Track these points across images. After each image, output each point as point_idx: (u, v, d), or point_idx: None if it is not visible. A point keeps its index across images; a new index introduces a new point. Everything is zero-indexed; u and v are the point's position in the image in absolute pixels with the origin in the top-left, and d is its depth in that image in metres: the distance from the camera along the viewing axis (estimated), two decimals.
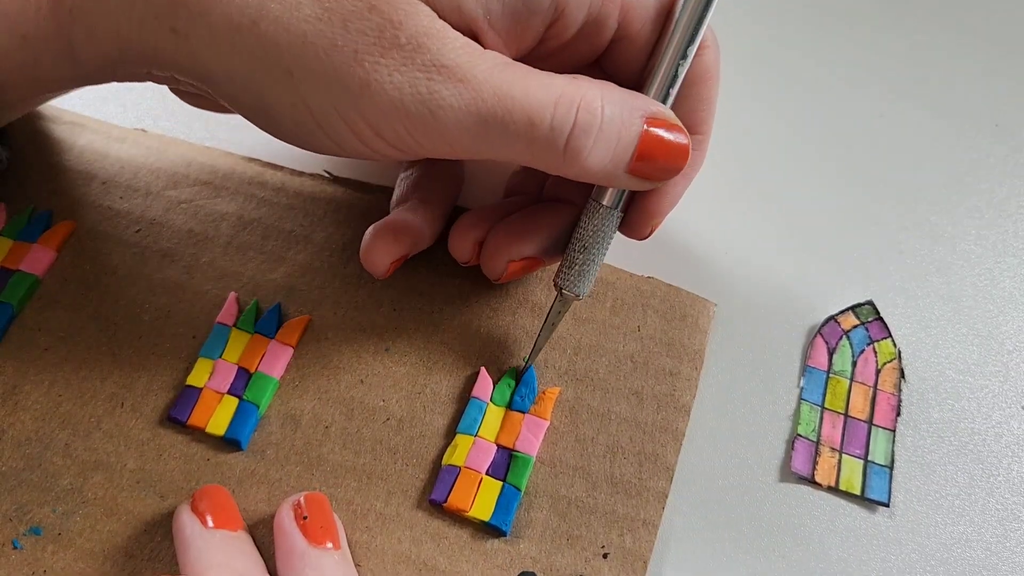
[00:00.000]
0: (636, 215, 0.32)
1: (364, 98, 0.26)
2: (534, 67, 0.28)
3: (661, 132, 0.29)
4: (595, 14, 0.29)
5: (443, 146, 0.28)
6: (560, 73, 0.28)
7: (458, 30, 0.27)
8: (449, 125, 0.27)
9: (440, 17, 0.27)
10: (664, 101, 0.30)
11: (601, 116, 0.28)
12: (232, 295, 0.35)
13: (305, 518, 0.30)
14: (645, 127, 0.28)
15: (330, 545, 0.29)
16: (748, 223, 0.40)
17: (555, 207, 0.34)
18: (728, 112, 0.41)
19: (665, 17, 0.30)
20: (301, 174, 0.39)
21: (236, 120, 0.37)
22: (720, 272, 0.38)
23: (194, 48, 0.27)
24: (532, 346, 0.34)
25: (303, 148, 0.29)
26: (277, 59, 0.26)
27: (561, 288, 0.32)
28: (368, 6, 0.26)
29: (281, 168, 0.39)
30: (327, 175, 0.39)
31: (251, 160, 0.39)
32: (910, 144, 0.42)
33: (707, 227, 0.39)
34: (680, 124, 0.29)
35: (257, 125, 0.29)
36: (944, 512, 0.33)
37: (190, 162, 0.38)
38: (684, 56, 0.30)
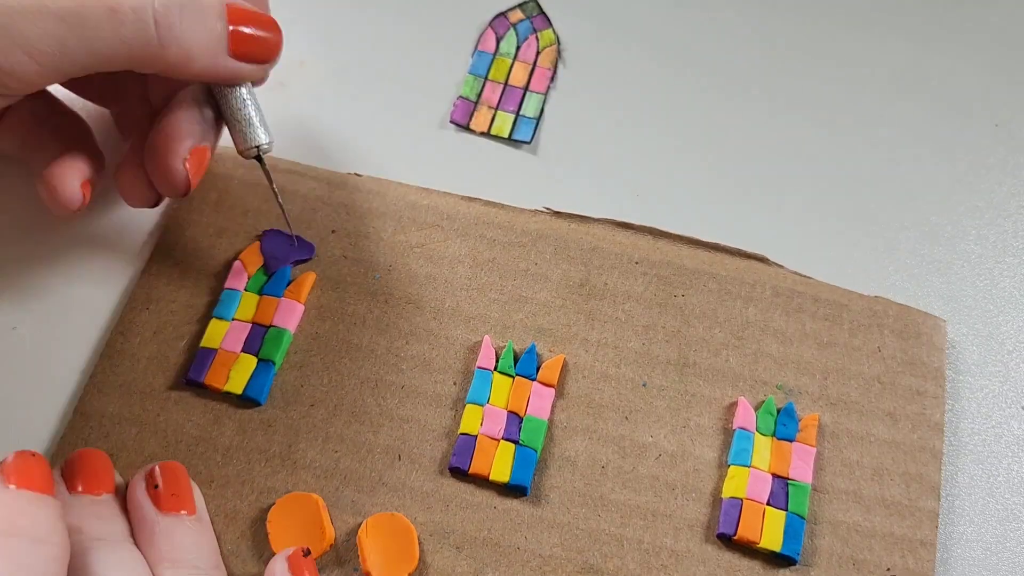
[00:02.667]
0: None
1: None
2: None
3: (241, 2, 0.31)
4: None
5: (29, 62, 0.28)
6: None
7: None
8: (28, 33, 0.27)
9: None
10: None
11: None
12: (486, 339, 0.36)
13: (156, 487, 0.30)
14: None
15: (184, 512, 0.30)
16: (743, 215, 0.40)
17: (174, 107, 0.33)
18: (725, 111, 0.43)
19: None
20: (523, 211, 0.39)
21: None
22: None
23: None
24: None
25: None
26: None
27: (257, 151, 0.33)
28: None
29: (503, 206, 0.39)
30: (547, 211, 0.39)
31: (471, 200, 0.39)
32: (910, 144, 0.43)
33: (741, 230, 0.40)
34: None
35: None
36: (944, 512, 0.34)
37: (413, 205, 0.38)
38: None
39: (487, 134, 0.42)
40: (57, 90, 0.36)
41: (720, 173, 0.42)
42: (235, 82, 0.32)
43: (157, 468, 0.30)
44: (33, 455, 0.27)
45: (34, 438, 0.34)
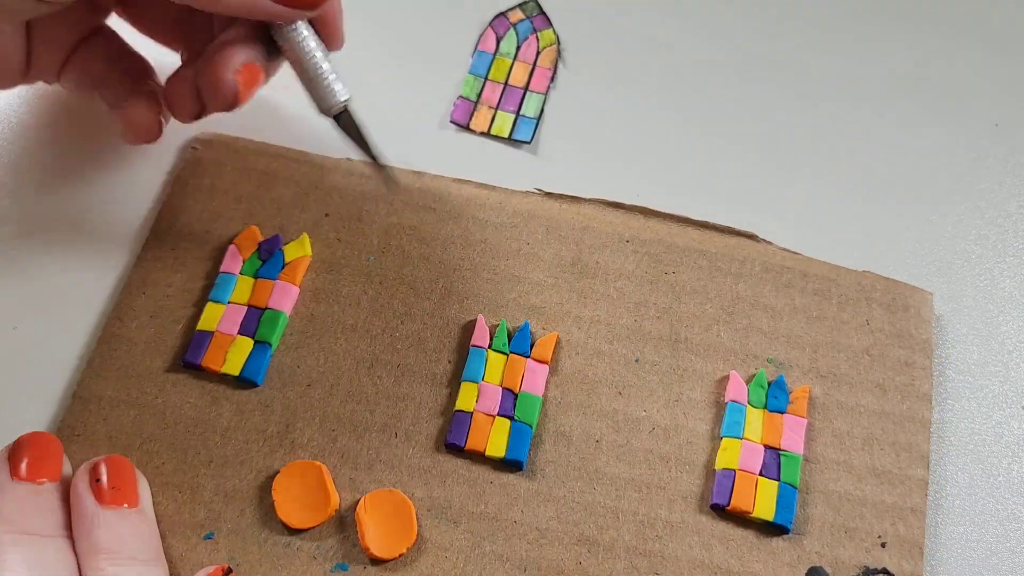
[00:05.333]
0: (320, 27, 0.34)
1: None
2: None
3: None
4: None
5: None
6: None
7: None
8: None
9: None
10: None
11: None
12: (480, 318, 0.36)
13: (99, 480, 0.30)
14: None
15: (125, 506, 0.30)
16: (748, 213, 0.40)
17: (233, 30, 0.33)
18: (725, 110, 0.43)
19: None
20: (514, 192, 0.39)
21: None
22: None
23: None
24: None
25: None
26: None
27: (335, 110, 0.33)
28: None
29: (494, 188, 0.39)
30: (538, 192, 0.39)
31: (463, 182, 0.39)
32: (910, 144, 0.43)
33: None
34: None
35: None
36: (944, 512, 0.35)
37: (405, 187, 0.39)
38: None
39: (487, 134, 0.42)
40: (125, 33, 0.38)
41: (716, 170, 0.42)
42: (281, 19, 0.32)
43: (102, 463, 0.31)
44: (40, 438, 0.29)
45: (33, 422, 0.34)
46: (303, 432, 0.34)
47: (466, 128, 0.42)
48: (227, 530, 0.32)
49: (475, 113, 0.42)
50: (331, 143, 0.39)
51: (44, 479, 0.30)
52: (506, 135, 0.42)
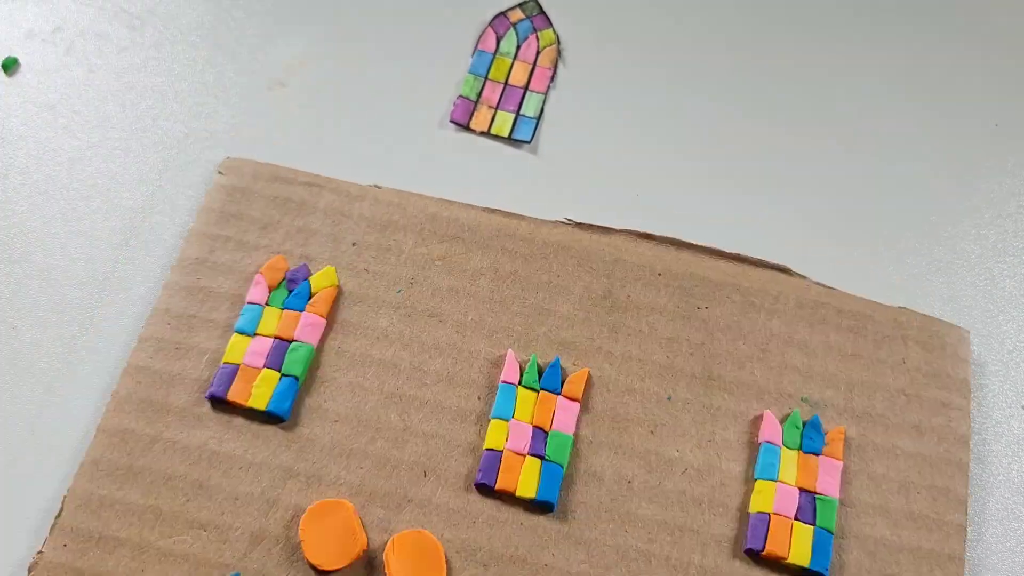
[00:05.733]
0: None
1: None
2: None
3: None
4: None
5: None
6: None
7: None
8: None
9: None
10: None
11: None
12: (510, 353, 0.35)
13: None
14: None
15: None
16: (747, 216, 0.40)
17: None
18: (724, 111, 0.43)
19: None
20: (544, 222, 0.39)
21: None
22: None
23: None
24: None
25: None
26: None
27: None
28: None
29: (523, 218, 0.39)
30: (568, 222, 0.39)
31: (492, 211, 0.39)
32: (910, 144, 0.43)
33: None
34: None
35: None
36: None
37: (433, 216, 0.38)
38: None
39: (487, 133, 0.42)
40: None
41: (715, 170, 0.42)
42: None
43: None
44: None
45: (56, 457, 0.33)
46: (331, 470, 0.33)
47: (466, 128, 0.42)
48: (253, 570, 0.32)
49: (475, 112, 0.42)
50: (359, 170, 0.39)
51: None
52: (506, 134, 0.42)
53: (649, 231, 0.39)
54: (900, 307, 0.38)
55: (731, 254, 0.38)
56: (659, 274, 0.38)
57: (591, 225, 0.39)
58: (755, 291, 0.37)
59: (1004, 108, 0.44)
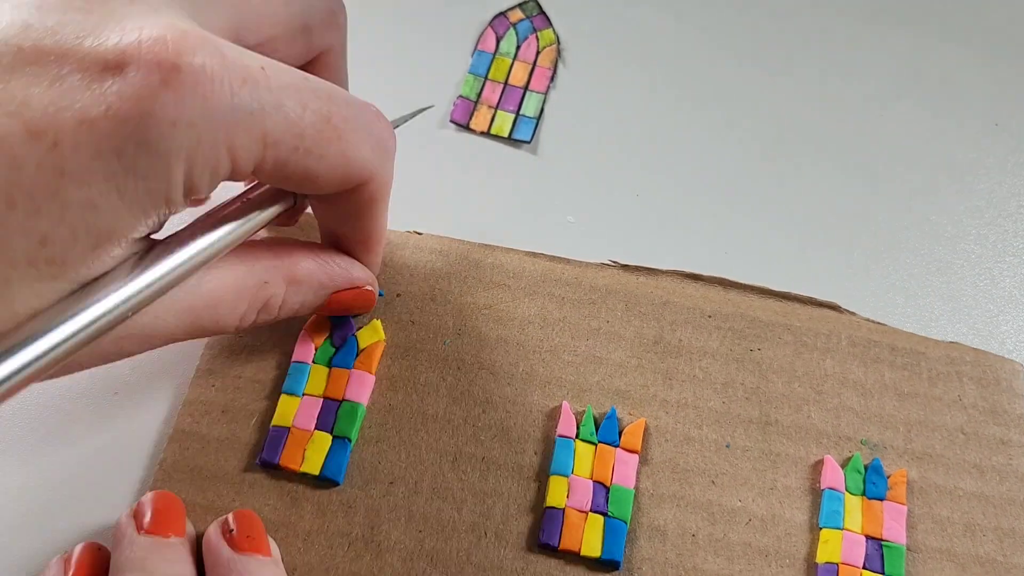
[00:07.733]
0: None
1: None
2: None
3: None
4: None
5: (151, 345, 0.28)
6: None
7: None
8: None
9: None
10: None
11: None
12: (565, 405, 0.35)
13: (232, 531, 0.30)
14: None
15: (259, 555, 0.30)
16: (747, 216, 0.40)
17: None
18: (724, 111, 0.43)
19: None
20: (589, 265, 0.38)
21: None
22: None
23: None
24: None
25: None
26: None
27: None
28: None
29: (568, 261, 0.38)
30: (614, 264, 0.38)
31: (535, 255, 0.38)
32: (910, 143, 0.43)
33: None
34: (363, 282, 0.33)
35: None
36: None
37: (476, 263, 0.37)
38: None
39: (487, 134, 0.42)
40: None
41: (715, 170, 0.41)
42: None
43: (231, 515, 0.30)
44: (164, 496, 0.29)
45: (103, 525, 0.32)
46: (388, 534, 0.32)
47: (466, 128, 0.42)
48: None
49: (475, 113, 0.42)
50: (398, 216, 0.38)
51: (171, 534, 0.29)
52: (506, 135, 0.41)
53: (696, 271, 0.38)
54: (951, 342, 0.37)
55: (779, 292, 0.38)
56: (709, 316, 0.37)
57: (637, 267, 0.38)
58: (806, 330, 0.37)
59: (1004, 108, 0.44)
